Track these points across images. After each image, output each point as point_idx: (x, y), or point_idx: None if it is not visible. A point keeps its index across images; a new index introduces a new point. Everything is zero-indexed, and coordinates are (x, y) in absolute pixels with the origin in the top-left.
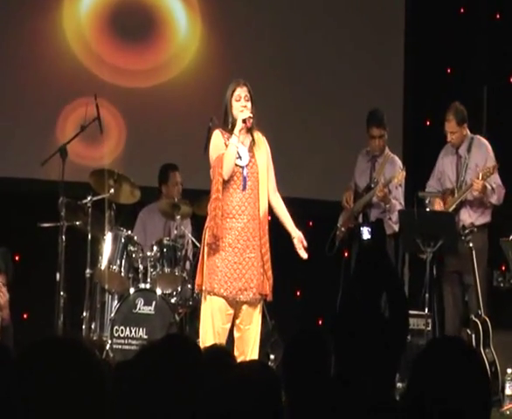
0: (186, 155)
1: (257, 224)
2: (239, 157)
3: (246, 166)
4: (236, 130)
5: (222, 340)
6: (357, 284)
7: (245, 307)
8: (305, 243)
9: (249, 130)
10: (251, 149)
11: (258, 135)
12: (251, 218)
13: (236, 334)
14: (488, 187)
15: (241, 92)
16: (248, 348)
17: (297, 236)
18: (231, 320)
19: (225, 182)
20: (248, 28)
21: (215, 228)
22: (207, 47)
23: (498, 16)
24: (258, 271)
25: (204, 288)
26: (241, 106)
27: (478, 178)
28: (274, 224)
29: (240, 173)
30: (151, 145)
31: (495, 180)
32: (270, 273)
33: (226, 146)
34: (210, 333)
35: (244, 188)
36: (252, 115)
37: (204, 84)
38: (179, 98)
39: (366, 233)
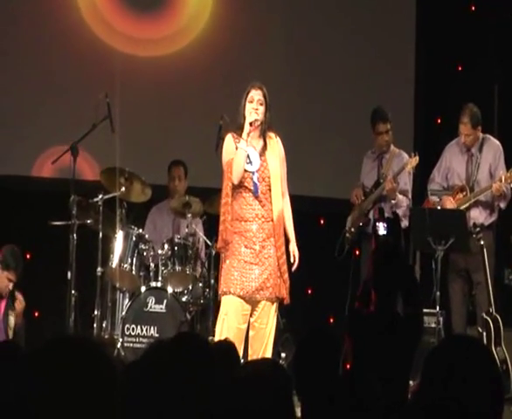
0: (197, 154)
1: (271, 226)
2: (250, 162)
3: (257, 170)
4: (244, 134)
5: (238, 341)
6: (374, 280)
7: (261, 306)
8: (296, 259)
9: (261, 134)
10: (263, 153)
11: (271, 138)
12: (265, 220)
13: (250, 333)
14: (505, 191)
15: (255, 94)
16: (261, 347)
17: (292, 249)
18: (247, 321)
19: (237, 188)
20: (259, 8)
21: (224, 233)
22: (218, 18)
23: (509, 14)
24: (274, 271)
25: (220, 289)
26: (252, 108)
27: (501, 180)
28: None
29: (251, 178)
30: (162, 143)
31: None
32: (286, 276)
33: (237, 149)
34: (224, 334)
35: (256, 192)
36: (258, 118)
37: (214, 55)
38: (190, 70)
39: (382, 229)
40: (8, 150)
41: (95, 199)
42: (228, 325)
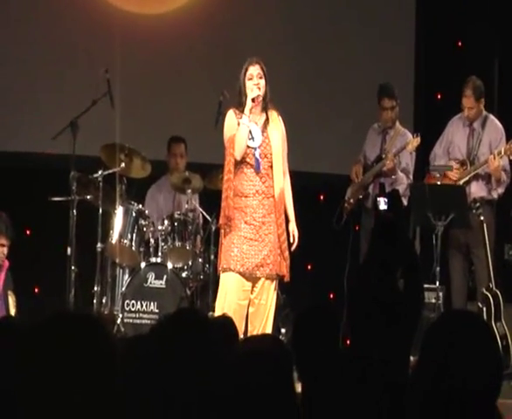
0: (196, 129)
1: (272, 202)
2: (252, 138)
3: (259, 147)
4: (246, 109)
5: (238, 317)
6: (373, 256)
7: (261, 283)
8: (296, 239)
9: (263, 109)
10: (265, 129)
11: (273, 115)
12: (265, 197)
13: (250, 309)
14: (503, 176)
15: (253, 70)
16: (261, 324)
17: (291, 229)
18: (248, 297)
19: (239, 163)
20: None
21: (227, 209)
22: None
23: None
24: (274, 248)
25: (220, 266)
26: (253, 84)
27: (499, 153)
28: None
29: (253, 154)
30: (162, 119)
31: (506, 164)
32: (287, 254)
33: (239, 125)
34: (225, 311)
35: (258, 169)
36: (260, 93)
37: (215, 30)
38: (190, 46)
39: (383, 203)
40: (7, 127)
41: (95, 175)
42: (229, 301)
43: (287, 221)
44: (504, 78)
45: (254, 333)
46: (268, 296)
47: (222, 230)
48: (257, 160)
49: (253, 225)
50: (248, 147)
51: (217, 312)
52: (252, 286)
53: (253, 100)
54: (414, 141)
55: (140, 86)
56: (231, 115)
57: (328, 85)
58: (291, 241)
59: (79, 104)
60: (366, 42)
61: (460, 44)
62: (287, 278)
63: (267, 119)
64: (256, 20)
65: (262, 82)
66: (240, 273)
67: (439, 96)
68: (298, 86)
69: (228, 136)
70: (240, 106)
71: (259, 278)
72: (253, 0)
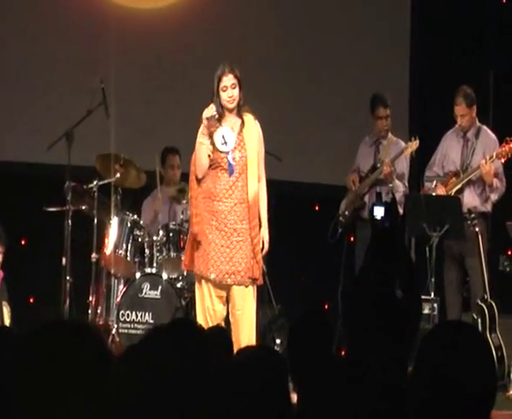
0: (191, 140)
1: (245, 208)
2: (225, 143)
3: (234, 150)
4: (202, 129)
5: (214, 322)
6: (371, 265)
7: (235, 291)
8: (266, 245)
9: (238, 114)
10: (240, 132)
11: (249, 118)
12: (238, 202)
13: (231, 320)
14: (495, 182)
15: (227, 81)
16: (243, 334)
17: (262, 235)
18: (224, 303)
19: (212, 166)
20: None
21: (195, 226)
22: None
23: (504, 0)
24: (246, 254)
25: (194, 271)
26: (228, 96)
27: (491, 157)
28: (280, 209)
29: (226, 158)
30: (157, 129)
31: (500, 170)
32: (260, 257)
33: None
34: (201, 316)
35: (231, 172)
36: (215, 114)
37: (210, 42)
38: (184, 57)
39: (379, 212)
40: (2, 136)
41: (90, 185)
42: (203, 307)
43: (260, 226)
44: (499, 89)
45: (238, 343)
46: (245, 305)
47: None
48: (230, 164)
49: (224, 231)
50: (221, 152)
51: (198, 318)
52: (229, 295)
53: (208, 119)
54: (413, 144)
55: (135, 97)
56: (200, 131)
57: (323, 95)
58: (260, 246)
59: (74, 114)
60: (361, 53)
61: (454, 55)
62: (260, 282)
63: (243, 123)
64: (250, 32)
65: (236, 91)
66: (211, 281)
67: (433, 107)
68: (292, 97)
69: (194, 155)
70: (219, 117)
71: (232, 287)
72: (248, 13)
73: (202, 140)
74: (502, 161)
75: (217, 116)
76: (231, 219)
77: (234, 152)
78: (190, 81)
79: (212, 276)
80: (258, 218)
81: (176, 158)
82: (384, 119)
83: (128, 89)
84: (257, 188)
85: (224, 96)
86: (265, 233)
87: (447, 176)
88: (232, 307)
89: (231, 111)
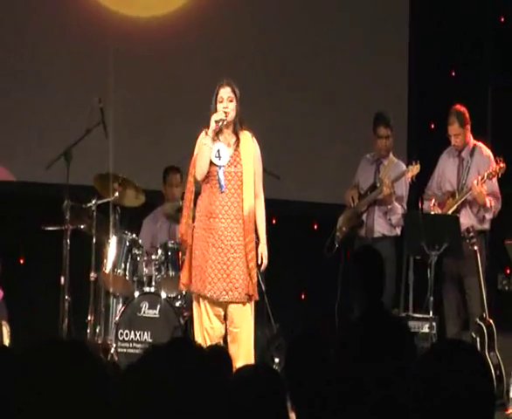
0: (189, 158)
1: (241, 224)
2: (218, 156)
3: (227, 165)
4: (209, 131)
5: (213, 341)
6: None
7: (232, 309)
8: (264, 261)
9: (234, 130)
10: (236, 149)
11: (246, 135)
12: (234, 218)
13: (228, 338)
14: (487, 203)
15: (223, 93)
16: (241, 352)
17: (260, 251)
18: (221, 320)
19: (207, 183)
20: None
21: (184, 234)
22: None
23: (502, 19)
24: (243, 271)
25: (192, 290)
26: (223, 107)
27: (482, 178)
28: (279, 228)
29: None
30: (155, 148)
31: (494, 188)
32: (254, 273)
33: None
34: (199, 335)
35: (221, 187)
36: (223, 118)
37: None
38: (181, 74)
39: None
40: (1, 156)
41: (89, 204)
42: (201, 326)
43: (258, 243)
44: (497, 106)
45: (236, 362)
46: (242, 322)
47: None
48: (220, 179)
49: (221, 248)
50: (214, 164)
51: (196, 337)
52: (226, 313)
53: (216, 122)
54: (414, 169)
55: (133, 115)
56: (201, 136)
57: (321, 113)
58: (259, 262)
59: (72, 133)
60: (359, 71)
61: (453, 73)
62: (254, 298)
63: (238, 139)
64: (247, 47)
65: (232, 105)
66: (208, 298)
67: (432, 126)
68: (290, 115)
69: (194, 156)
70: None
71: (229, 304)
72: (248, 26)
73: (206, 141)
74: (494, 180)
75: (225, 122)
76: (227, 235)
77: (230, 167)
78: (190, 100)
79: (209, 294)
80: (253, 234)
81: (177, 176)
82: (384, 138)
83: (126, 108)
84: (253, 204)
85: (219, 107)
86: (263, 248)
87: (444, 196)
88: (230, 325)
89: (227, 126)
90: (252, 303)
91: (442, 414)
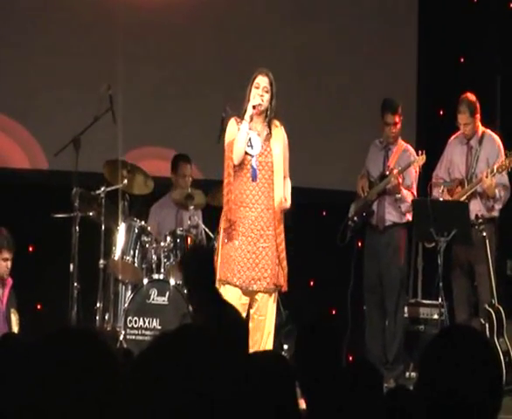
0: (199, 146)
1: (271, 214)
2: (251, 146)
3: (259, 155)
4: (246, 115)
5: None
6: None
7: (259, 297)
8: (287, 204)
9: (266, 122)
10: (267, 139)
11: (277, 127)
12: (265, 208)
13: (251, 325)
14: (497, 194)
15: (261, 81)
16: (262, 339)
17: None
18: (246, 310)
19: (237, 172)
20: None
21: (228, 212)
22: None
23: (511, 5)
24: (272, 261)
25: (218, 277)
26: (257, 93)
27: (492, 171)
28: (288, 215)
29: (250, 162)
30: (164, 135)
31: (503, 179)
32: (285, 264)
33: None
34: None
35: (254, 178)
36: (261, 103)
37: (217, 44)
38: (192, 63)
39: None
40: (10, 143)
41: (97, 191)
42: None
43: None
44: (506, 94)
45: (255, 347)
46: (267, 311)
47: (220, 240)
48: (254, 169)
49: (251, 237)
50: (246, 153)
51: None
52: (251, 300)
53: (254, 107)
54: (420, 159)
55: (142, 102)
56: (232, 122)
57: (331, 101)
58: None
59: (81, 120)
60: (369, 59)
61: (462, 60)
62: (284, 288)
63: (270, 131)
64: (259, 36)
65: (267, 96)
66: (237, 286)
67: (441, 112)
68: (300, 102)
69: (227, 142)
70: (243, 115)
71: (257, 292)
72: (257, 18)
73: (243, 126)
74: (504, 174)
75: (262, 107)
76: (257, 225)
77: (261, 157)
78: (200, 88)
79: (238, 282)
80: (283, 225)
81: (188, 166)
82: (391, 125)
83: (135, 95)
84: (283, 194)
85: (254, 92)
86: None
87: (453, 183)
88: (255, 312)
89: (258, 115)
90: (277, 293)
91: (449, 400)
